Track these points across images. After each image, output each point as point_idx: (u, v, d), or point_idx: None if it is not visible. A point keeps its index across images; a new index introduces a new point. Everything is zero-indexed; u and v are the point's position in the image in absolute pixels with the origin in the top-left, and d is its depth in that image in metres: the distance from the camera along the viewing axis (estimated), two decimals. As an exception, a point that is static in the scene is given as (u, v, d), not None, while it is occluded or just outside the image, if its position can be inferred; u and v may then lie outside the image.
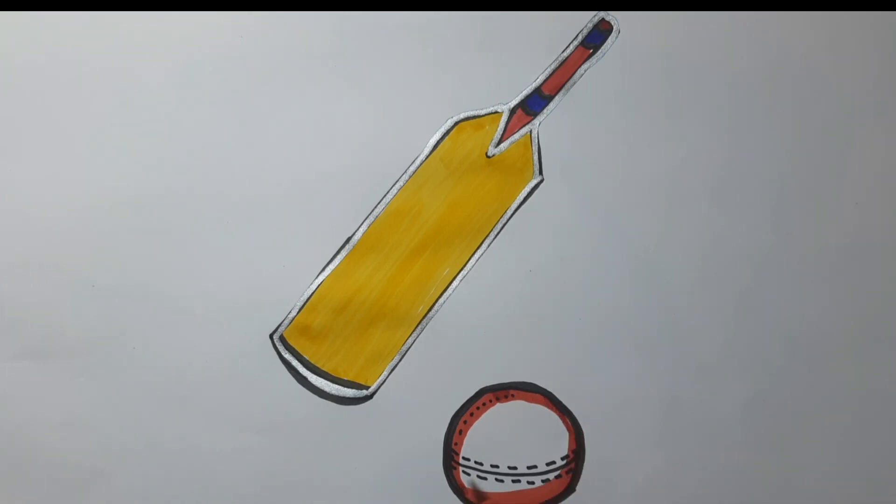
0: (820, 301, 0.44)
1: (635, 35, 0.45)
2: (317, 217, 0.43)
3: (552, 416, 0.43)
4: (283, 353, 0.42)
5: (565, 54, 0.45)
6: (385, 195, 0.43)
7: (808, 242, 0.45)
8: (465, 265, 0.43)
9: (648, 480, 0.43)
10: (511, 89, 0.45)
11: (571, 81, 0.45)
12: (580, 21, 0.45)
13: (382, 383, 0.42)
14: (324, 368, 0.42)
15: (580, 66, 0.45)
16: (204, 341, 0.41)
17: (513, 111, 0.45)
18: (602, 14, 0.45)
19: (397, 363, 0.43)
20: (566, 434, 0.43)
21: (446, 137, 0.44)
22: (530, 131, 0.45)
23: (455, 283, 0.43)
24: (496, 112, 0.45)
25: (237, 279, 0.42)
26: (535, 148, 0.44)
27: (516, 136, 0.44)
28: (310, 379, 0.42)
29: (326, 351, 0.42)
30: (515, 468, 0.42)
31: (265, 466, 0.41)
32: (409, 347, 0.43)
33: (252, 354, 0.42)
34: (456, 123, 0.44)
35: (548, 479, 0.42)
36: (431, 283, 0.43)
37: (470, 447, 0.42)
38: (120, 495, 0.40)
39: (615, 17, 0.45)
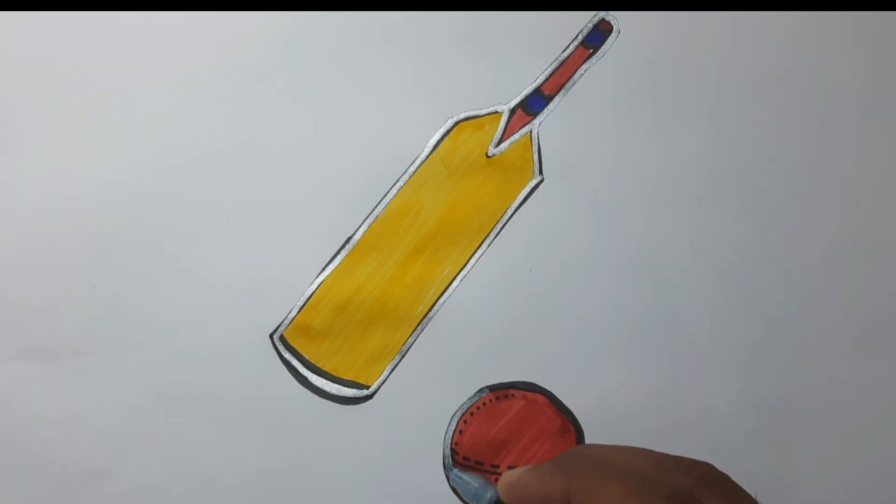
0: (820, 300, 0.44)
1: (635, 35, 0.45)
2: (317, 217, 0.43)
3: (552, 416, 0.43)
4: (283, 353, 0.42)
5: (565, 54, 0.45)
6: (385, 195, 0.43)
7: (809, 242, 0.45)
8: (465, 265, 0.43)
9: (648, 480, 0.43)
10: (511, 89, 0.45)
11: (571, 81, 0.45)
12: (580, 21, 0.45)
13: (383, 383, 0.42)
14: (324, 368, 0.42)
15: (580, 66, 0.45)
16: (204, 341, 0.41)
17: (513, 111, 0.45)
18: (602, 14, 0.45)
19: (397, 363, 0.43)
20: (566, 434, 0.43)
21: (446, 137, 0.44)
22: (530, 131, 0.45)
23: (455, 283, 0.43)
24: (496, 112, 0.45)
25: (237, 279, 0.42)
26: (535, 148, 0.44)
27: (516, 136, 0.44)
28: (310, 379, 0.42)
29: (326, 351, 0.42)
30: (516, 468, 0.42)
31: (265, 466, 0.41)
32: (410, 347, 0.43)
33: (252, 354, 0.42)
34: (456, 123, 0.44)
35: (548, 480, 0.42)
36: (431, 283, 0.43)
37: (470, 447, 0.42)
38: (120, 495, 0.40)
39: (615, 17, 0.45)
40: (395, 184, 0.44)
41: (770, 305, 0.44)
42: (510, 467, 0.42)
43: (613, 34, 0.45)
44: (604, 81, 0.45)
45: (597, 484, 0.31)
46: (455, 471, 0.41)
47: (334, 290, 0.42)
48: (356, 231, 0.43)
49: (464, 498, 0.41)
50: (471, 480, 0.40)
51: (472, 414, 0.42)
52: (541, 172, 0.44)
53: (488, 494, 0.39)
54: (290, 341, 0.42)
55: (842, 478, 0.44)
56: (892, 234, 0.45)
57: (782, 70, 0.46)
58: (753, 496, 0.32)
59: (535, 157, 0.44)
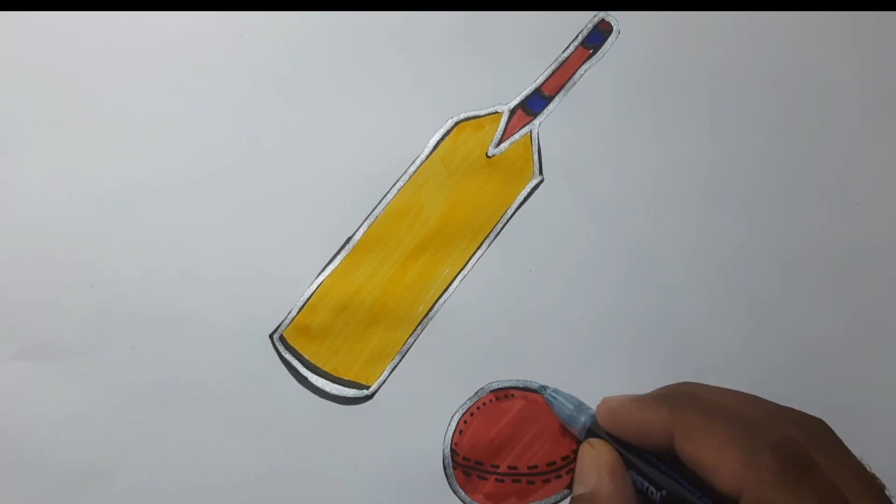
0: (819, 301, 0.44)
1: (635, 35, 0.45)
2: (317, 217, 0.43)
3: (552, 416, 0.43)
4: (283, 353, 0.42)
5: (565, 55, 0.45)
6: (385, 195, 0.43)
7: (809, 243, 0.45)
8: (465, 265, 0.43)
9: (649, 480, 0.43)
10: (511, 89, 0.45)
11: (571, 82, 0.45)
12: (580, 21, 0.45)
13: (383, 383, 0.42)
14: (324, 368, 0.42)
15: (580, 66, 0.45)
16: (204, 341, 0.41)
17: (513, 111, 0.45)
18: (602, 14, 0.45)
19: (397, 363, 0.43)
20: (566, 434, 0.43)
21: (446, 137, 0.44)
22: (530, 131, 0.45)
23: (455, 283, 0.43)
24: (496, 112, 0.45)
25: (237, 279, 0.42)
26: (535, 148, 0.45)
27: (516, 136, 0.45)
28: (310, 379, 0.42)
29: (326, 351, 0.42)
30: (516, 468, 0.42)
31: (265, 466, 0.41)
32: (410, 347, 0.43)
33: (252, 354, 0.42)
34: (456, 123, 0.44)
35: (548, 480, 0.42)
36: (431, 283, 0.43)
37: (470, 447, 0.42)
38: (120, 495, 0.40)
39: (615, 18, 0.45)
40: (395, 184, 0.44)
41: (770, 306, 0.44)
42: (511, 467, 0.42)
43: (613, 34, 0.45)
44: (604, 82, 0.45)
45: (703, 424, 0.30)
46: (550, 389, 0.41)
47: (334, 290, 0.42)
48: (356, 231, 0.43)
49: (558, 418, 0.41)
50: (566, 402, 0.40)
51: (472, 414, 0.42)
52: (541, 172, 0.44)
53: (583, 418, 0.39)
54: (290, 341, 0.42)
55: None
56: (892, 234, 0.45)
57: (782, 70, 0.46)
58: (859, 458, 0.31)
59: (536, 157, 0.44)
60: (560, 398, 0.40)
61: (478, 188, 0.44)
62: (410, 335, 0.43)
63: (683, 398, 0.33)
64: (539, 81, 0.45)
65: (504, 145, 0.44)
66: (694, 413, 0.31)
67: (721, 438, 0.29)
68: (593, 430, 0.38)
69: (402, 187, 0.43)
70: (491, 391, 0.43)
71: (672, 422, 0.31)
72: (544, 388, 0.42)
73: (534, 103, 0.45)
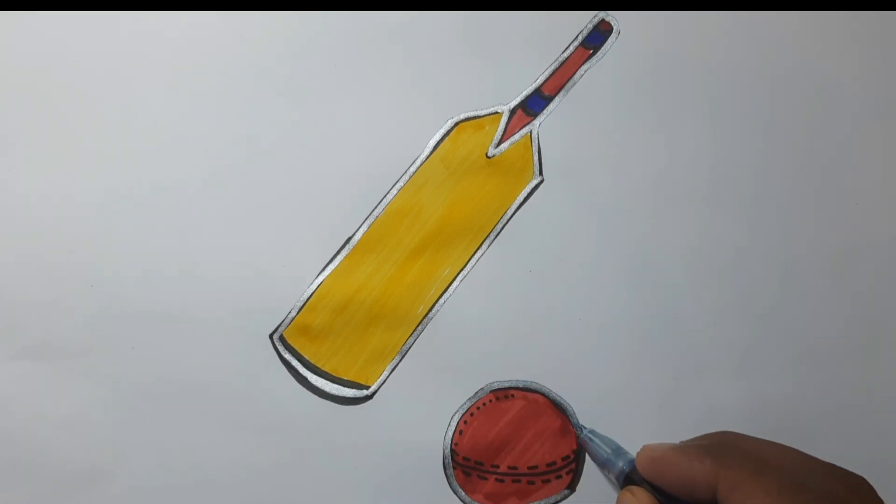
0: (819, 301, 0.44)
1: (635, 35, 0.45)
2: (317, 217, 0.43)
3: (552, 416, 0.43)
4: (283, 353, 0.42)
5: (565, 55, 0.45)
6: (385, 195, 0.43)
7: (809, 243, 0.45)
8: (465, 265, 0.43)
9: (649, 481, 0.43)
10: (511, 89, 0.45)
11: (572, 82, 0.45)
12: (580, 21, 0.45)
13: (383, 383, 0.42)
14: (324, 368, 0.42)
15: (580, 66, 0.45)
16: (204, 341, 0.41)
17: (513, 112, 0.45)
18: (602, 14, 0.45)
19: (397, 363, 0.43)
20: (566, 434, 0.43)
21: (446, 138, 0.44)
22: (530, 132, 0.45)
23: (455, 283, 0.43)
24: (496, 112, 0.45)
25: (237, 279, 0.42)
26: (535, 148, 0.44)
27: (516, 136, 0.44)
28: (310, 379, 0.42)
29: (326, 351, 0.42)
30: (516, 468, 0.42)
31: (265, 466, 0.41)
32: (410, 347, 0.43)
33: (252, 354, 0.42)
34: (456, 124, 0.44)
35: (548, 480, 0.42)
36: (431, 283, 0.43)
37: (470, 447, 0.42)
38: (120, 495, 0.40)
39: (615, 18, 0.45)
40: (395, 184, 0.44)
41: (770, 306, 0.44)
42: (510, 468, 0.42)
43: (613, 34, 0.45)
44: (604, 82, 0.45)
45: (749, 479, 0.30)
46: (586, 430, 0.41)
47: (334, 290, 0.42)
48: (356, 231, 0.43)
49: (592, 460, 0.41)
50: (603, 444, 0.39)
51: (472, 414, 0.42)
52: (541, 173, 0.44)
53: (621, 463, 0.39)
54: (290, 341, 0.42)
55: (842, 478, 0.44)
56: (892, 234, 0.45)
57: (782, 70, 0.46)
58: None
59: (536, 157, 0.44)
60: (597, 440, 0.40)
61: (478, 188, 0.44)
62: (410, 335, 0.43)
63: (728, 450, 0.33)
64: (539, 81, 0.45)
65: (504, 145, 0.44)
66: (740, 466, 0.31)
67: (767, 494, 0.30)
68: (631, 477, 0.38)
69: (402, 187, 0.43)
70: (491, 391, 0.43)
71: (716, 474, 0.32)
72: (581, 427, 0.42)
73: (534, 103, 0.45)
